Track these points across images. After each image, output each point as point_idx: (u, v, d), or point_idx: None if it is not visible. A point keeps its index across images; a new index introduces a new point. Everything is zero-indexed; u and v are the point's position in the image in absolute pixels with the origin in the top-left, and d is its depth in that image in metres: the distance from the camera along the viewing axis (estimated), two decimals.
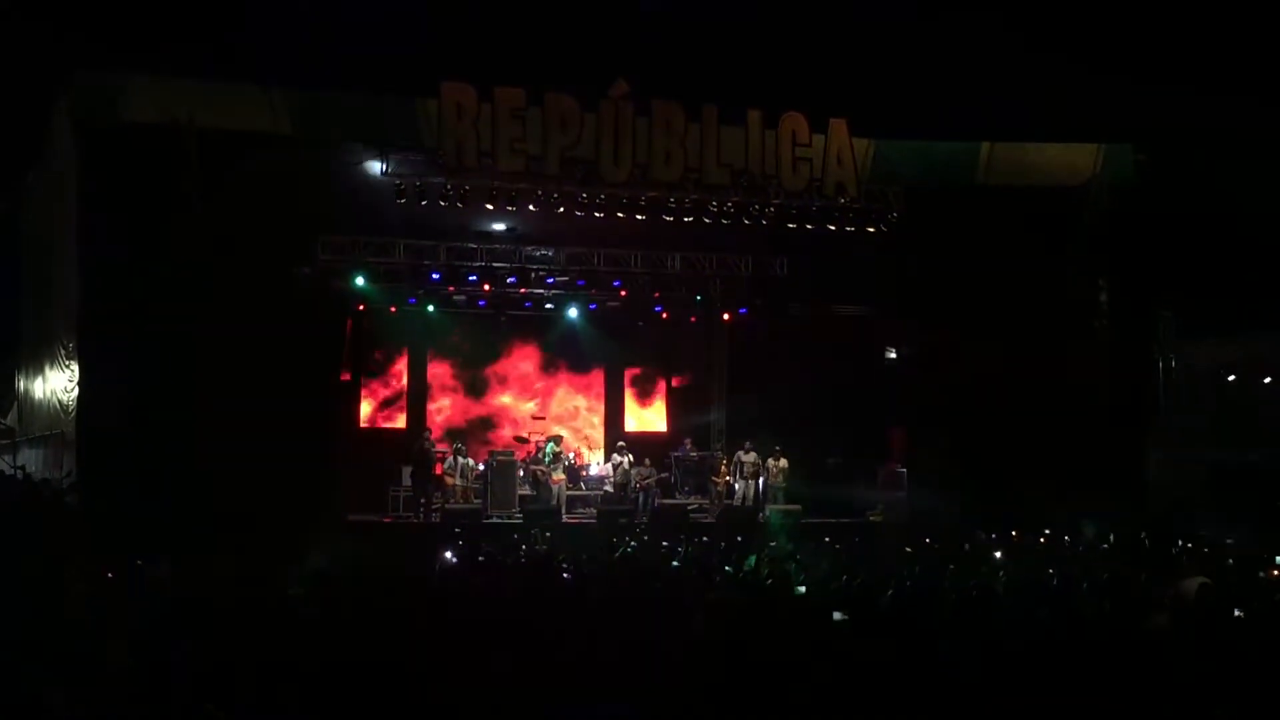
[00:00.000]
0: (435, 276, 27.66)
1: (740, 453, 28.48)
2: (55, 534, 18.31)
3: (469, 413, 31.12)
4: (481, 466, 27.94)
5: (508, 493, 27.09)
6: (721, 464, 28.83)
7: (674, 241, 27.53)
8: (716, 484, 28.59)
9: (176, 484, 21.39)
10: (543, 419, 30.76)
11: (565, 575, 14.56)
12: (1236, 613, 11.30)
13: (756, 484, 28.03)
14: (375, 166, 23.66)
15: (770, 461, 28.06)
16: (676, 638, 10.27)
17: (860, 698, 8.93)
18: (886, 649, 9.97)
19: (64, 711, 8.10)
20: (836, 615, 11.12)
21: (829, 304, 29.03)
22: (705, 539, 21.94)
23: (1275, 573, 14.96)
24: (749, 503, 27.82)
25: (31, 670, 8.48)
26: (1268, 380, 28.46)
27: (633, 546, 19.37)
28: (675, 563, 16.89)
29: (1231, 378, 28.67)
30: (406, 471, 27.07)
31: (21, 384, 31.14)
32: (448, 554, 16.87)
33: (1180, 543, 19.46)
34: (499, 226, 26.77)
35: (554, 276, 28.36)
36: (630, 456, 28.27)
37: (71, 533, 18.52)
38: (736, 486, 28.13)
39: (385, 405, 30.49)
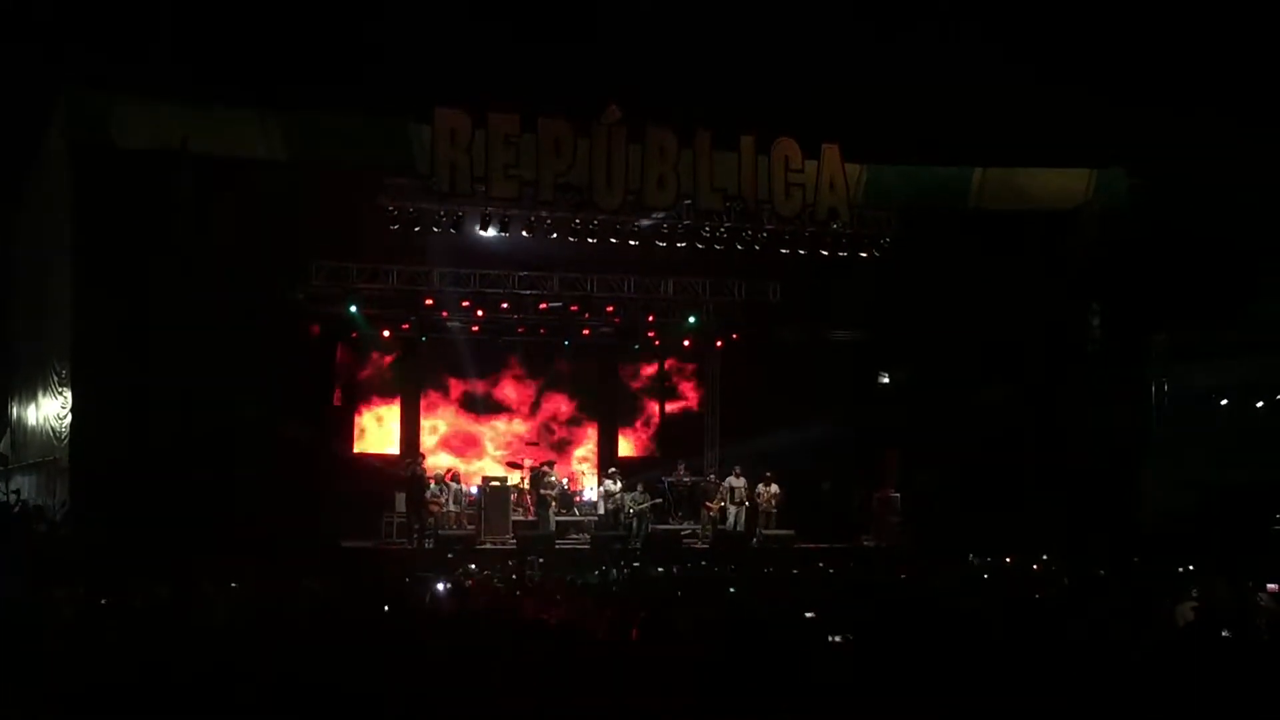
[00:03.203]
0: (429, 302, 27.66)
1: (731, 478, 28.44)
2: (47, 560, 18.34)
3: (462, 438, 31.07)
4: (475, 492, 27.91)
5: (501, 518, 27.05)
6: (716, 490, 28.78)
7: (667, 267, 27.53)
8: (710, 510, 28.53)
9: (170, 510, 21.30)
10: (536, 444, 30.70)
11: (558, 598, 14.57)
12: (1226, 634, 11.32)
13: (749, 509, 27.98)
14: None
15: (760, 487, 28.01)
16: (674, 657, 10.27)
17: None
18: (882, 671, 9.97)
19: None
20: (836, 638, 11.13)
21: (822, 328, 29.01)
22: (704, 563, 22.01)
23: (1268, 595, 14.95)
24: (740, 528, 27.76)
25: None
26: (1260, 403, 28.47)
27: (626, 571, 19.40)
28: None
29: (1225, 401, 28.67)
30: (400, 497, 27.00)
31: (14, 410, 31.13)
32: (439, 586, 16.78)
33: (1173, 566, 19.47)
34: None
35: (547, 302, 28.33)
36: (623, 482, 28.23)
37: (64, 559, 18.57)
38: (729, 512, 28.08)
39: (378, 431, 30.44)
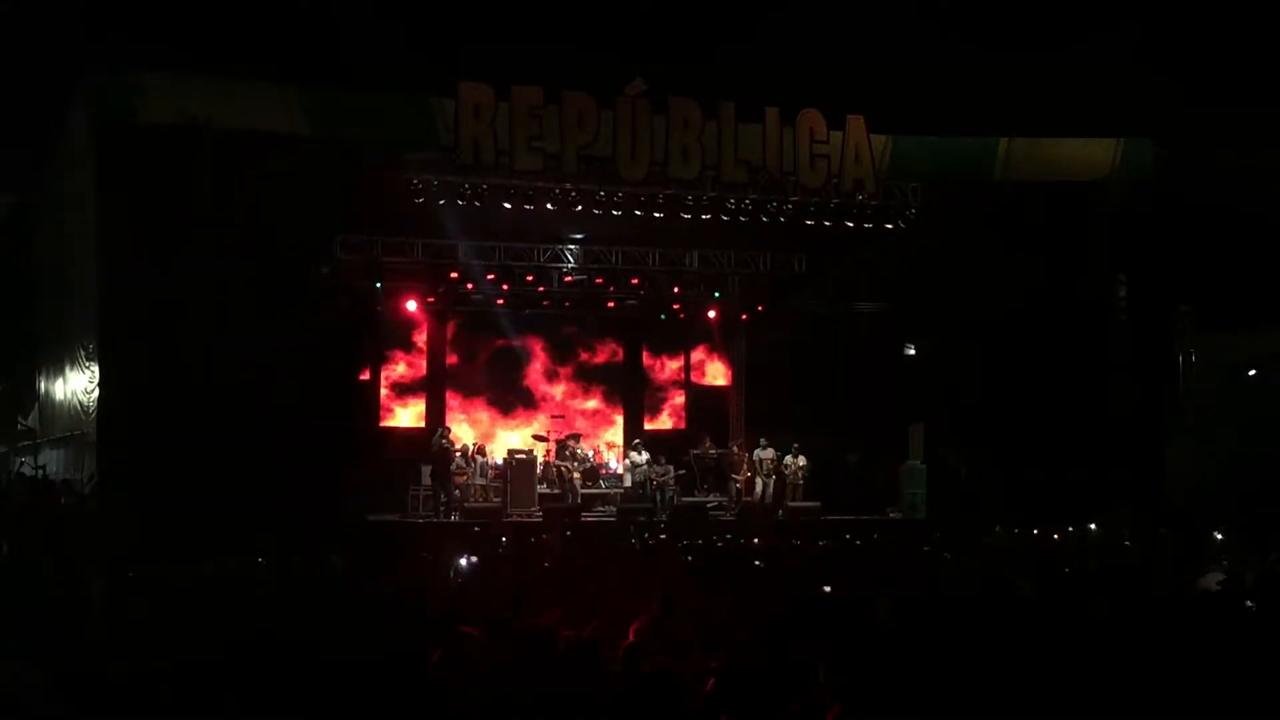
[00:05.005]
0: (454, 275, 27.72)
1: (758, 450, 28.50)
2: (76, 534, 18.44)
3: (488, 411, 31.11)
4: (500, 464, 27.96)
5: (527, 491, 27.12)
6: (742, 462, 28.84)
7: (692, 239, 27.51)
8: (736, 481, 28.61)
9: (196, 485, 21.37)
10: (561, 417, 30.73)
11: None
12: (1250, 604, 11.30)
13: (777, 480, 28.03)
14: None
15: (788, 459, 28.06)
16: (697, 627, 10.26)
17: (878, 696, 8.91)
18: (904, 645, 9.96)
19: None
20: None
21: (847, 301, 28.97)
22: (730, 536, 22.03)
23: None
24: (768, 500, 27.82)
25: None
26: None
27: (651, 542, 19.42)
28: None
29: (1252, 371, 28.48)
30: (426, 471, 27.09)
31: (42, 385, 31.28)
32: (463, 561, 16.78)
33: (1199, 536, 19.39)
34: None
35: (572, 274, 28.38)
36: (649, 454, 28.26)
37: (91, 533, 18.66)
38: (757, 484, 28.14)
39: (404, 404, 30.50)
